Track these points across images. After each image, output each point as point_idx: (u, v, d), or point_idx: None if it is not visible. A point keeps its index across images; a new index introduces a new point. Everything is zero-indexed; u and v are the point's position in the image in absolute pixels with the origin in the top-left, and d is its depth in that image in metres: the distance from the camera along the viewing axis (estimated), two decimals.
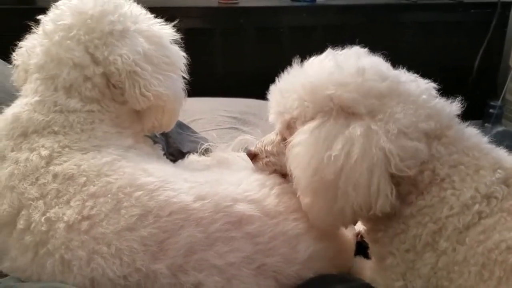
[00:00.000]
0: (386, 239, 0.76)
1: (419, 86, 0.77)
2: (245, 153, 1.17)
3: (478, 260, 0.66)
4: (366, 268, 0.85)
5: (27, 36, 0.98)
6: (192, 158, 1.21)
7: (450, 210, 0.69)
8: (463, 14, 2.65)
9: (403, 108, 0.72)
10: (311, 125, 0.76)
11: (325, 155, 0.71)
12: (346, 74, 0.76)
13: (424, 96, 0.75)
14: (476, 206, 0.68)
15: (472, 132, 0.77)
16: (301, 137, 0.76)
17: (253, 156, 0.92)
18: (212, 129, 1.57)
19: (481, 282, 0.65)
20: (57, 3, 0.93)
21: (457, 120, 0.77)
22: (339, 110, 0.74)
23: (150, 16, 0.97)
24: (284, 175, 0.88)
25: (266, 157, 0.89)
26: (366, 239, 0.85)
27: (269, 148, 0.89)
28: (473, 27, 2.67)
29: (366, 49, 0.84)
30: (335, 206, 0.73)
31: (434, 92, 0.78)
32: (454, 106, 0.77)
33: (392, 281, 0.75)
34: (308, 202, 0.76)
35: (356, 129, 0.71)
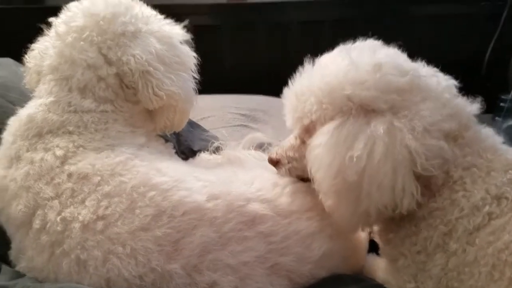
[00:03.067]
0: (398, 240, 0.76)
1: (440, 83, 0.75)
2: (259, 151, 1.17)
3: (488, 261, 0.66)
4: (379, 268, 0.85)
5: (39, 38, 0.99)
6: (203, 156, 1.21)
7: (460, 212, 0.69)
8: (474, 6, 2.62)
9: (429, 106, 0.71)
10: (330, 125, 0.74)
11: (346, 156, 0.70)
12: (362, 71, 0.74)
13: (447, 95, 0.74)
14: (486, 208, 0.68)
15: (488, 133, 0.76)
16: (321, 138, 0.74)
17: (275, 163, 0.90)
18: (222, 127, 1.57)
19: (491, 282, 0.65)
20: (68, 5, 0.94)
21: (475, 120, 0.76)
22: (359, 108, 0.72)
23: (160, 17, 0.97)
24: (307, 179, 0.85)
25: (289, 162, 0.88)
26: (377, 240, 0.84)
27: (290, 153, 0.87)
28: (484, 19, 2.64)
29: (380, 41, 0.81)
30: (359, 207, 0.71)
31: (455, 90, 0.76)
32: (474, 106, 0.76)
33: (404, 282, 0.75)
34: (331, 204, 0.75)
35: (378, 127, 0.69)
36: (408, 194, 0.69)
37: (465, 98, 0.77)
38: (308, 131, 0.81)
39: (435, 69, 0.79)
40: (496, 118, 2.46)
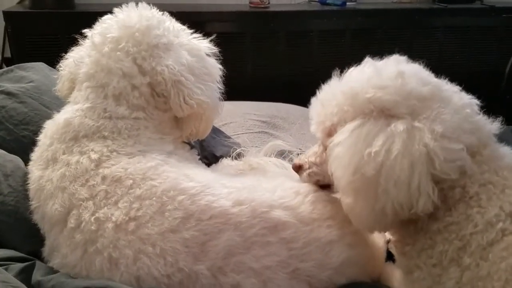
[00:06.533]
0: (414, 253, 0.77)
1: (462, 98, 0.78)
2: (279, 158, 1.20)
3: (501, 276, 0.67)
4: (395, 279, 0.87)
5: (73, 47, 1.04)
6: (225, 162, 1.25)
7: (474, 228, 0.71)
8: (495, 18, 2.62)
9: (450, 111, 0.73)
10: (351, 125, 0.76)
11: (365, 152, 0.72)
12: (385, 78, 0.77)
13: (468, 110, 0.76)
14: (500, 224, 0.69)
15: (506, 152, 0.78)
16: (342, 136, 0.77)
17: (298, 168, 0.93)
18: (243, 133, 1.61)
19: None
20: (103, 18, 0.99)
21: (494, 139, 0.78)
22: (380, 112, 0.75)
23: (189, 31, 1.03)
24: (327, 186, 0.89)
25: (309, 167, 0.91)
26: (394, 252, 0.86)
27: (312, 159, 0.91)
28: (505, 31, 2.64)
29: (405, 57, 0.84)
30: (376, 205, 0.73)
31: (476, 108, 0.78)
32: (494, 125, 0.78)
33: None
34: (350, 202, 0.77)
35: (398, 126, 0.72)
36: (424, 194, 0.71)
37: (485, 116, 0.78)
38: (330, 135, 0.83)
39: (459, 87, 0.81)
40: None
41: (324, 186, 0.91)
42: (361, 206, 0.75)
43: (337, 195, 0.79)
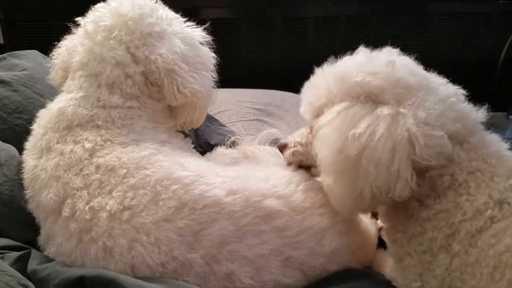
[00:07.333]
0: (405, 240, 0.79)
1: (448, 89, 0.79)
2: (273, 147, 1.21)
3: (489, 263, 0.69)
4: (386, 265, 0.89)
5: (67, 35, 1.03)
6: (220, 150, 1.26)
7: (463, 215, 0.72)
8: (491, 5, 2.61)
9: (434, 100, 0.74)
10: (338, 107, 0.78)
11: (350, 133, 0.74)
12: (376, 65, 0.79)
13: (453, 99, 0.77)
14: (489, 212, 0.71)
15: (493, 140, 0.79)
16: (328, 117, 0.78)
17: (283, 147, 0.95)
18: (238, 121, 1.61)
19: (492, 283, 0.68)
20: (95, 6, 0.98)
21: (481, 126, 0.79)
22: (367, 97, 0.76)
23: (182, 19, 1.02)
24: (308, 167, 0.91)
25: (294, 146, 0.93)
26: (385, 239, 0.88)
27: (298, 138, 0.92)
28: (501, 18, 2.63)
29: (398, 49, 0.85)
30: (355, 187, 0.74)
31: (462, 97, 0.79)
32: (480, 113, 0.79)
33: (410, 281, 0.78)
34: (330, 182, 0.78)
35: (384, 110, 0.74)
36: (402, 178, 0.72)
37: (472, 105, 0.80)
38: (318, 116, 0.84)
39: (447, 79, 0.82)
40: (510, 116, 2.46)
41: (305, 167, 0.93)
42: (341, 187, 0.77)
43: (318, 178, 0.80)
